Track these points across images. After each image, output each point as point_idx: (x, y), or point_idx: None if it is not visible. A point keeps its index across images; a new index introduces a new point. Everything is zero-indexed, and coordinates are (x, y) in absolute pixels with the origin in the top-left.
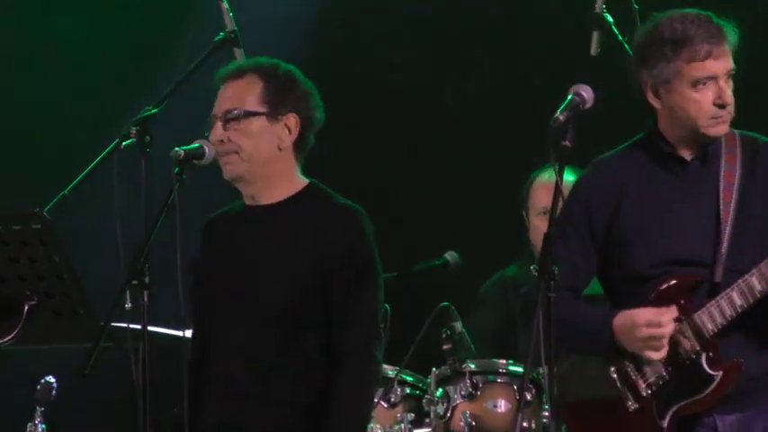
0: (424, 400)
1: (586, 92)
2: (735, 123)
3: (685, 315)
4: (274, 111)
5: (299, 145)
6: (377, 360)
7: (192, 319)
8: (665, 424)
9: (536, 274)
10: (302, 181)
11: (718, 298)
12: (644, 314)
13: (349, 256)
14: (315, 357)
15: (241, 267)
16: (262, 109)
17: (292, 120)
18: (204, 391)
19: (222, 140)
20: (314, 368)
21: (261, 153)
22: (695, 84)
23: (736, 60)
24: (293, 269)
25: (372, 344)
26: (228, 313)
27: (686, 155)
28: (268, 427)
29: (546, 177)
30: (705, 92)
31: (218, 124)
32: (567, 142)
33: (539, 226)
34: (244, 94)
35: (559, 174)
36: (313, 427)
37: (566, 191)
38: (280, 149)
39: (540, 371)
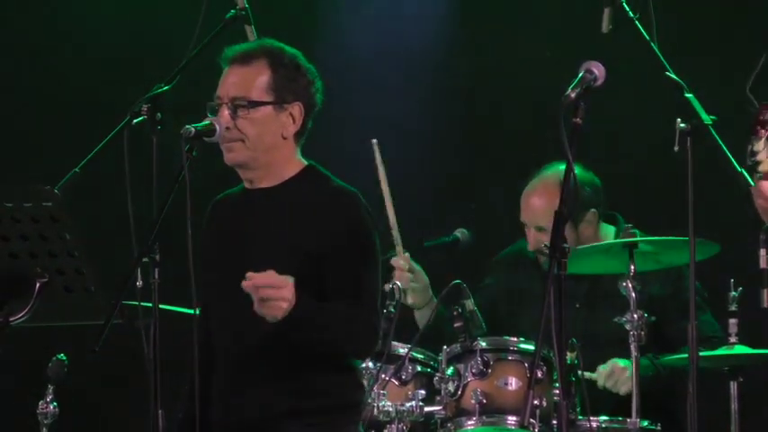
0: (435, 378)
1: (598, 68)
2: None
3: None
4: (280, 100)
5: (300, 131)
6: (378, 332)
7: (201, 302)
8: None
9: (546, 251)
10: (301, 163)
11: None
12: None
13: (348, 238)
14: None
15: (240, 249)
16: (268, 98)
17: (297, 109)
18: (211, 373)
19: (228, 127)
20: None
21: (265, 141)
22: None
23: None
24: (290, 250)
25: (375, 318)
26: (229, 294)
27: None
28: (271, 412)
29: (527, 189)
30: None
31: (226, 111)
32: (578, 119)
33: (531, 236)
34: (251, 81)
35: (570, 150)
36: (311, 411)
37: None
38: (284, 138)
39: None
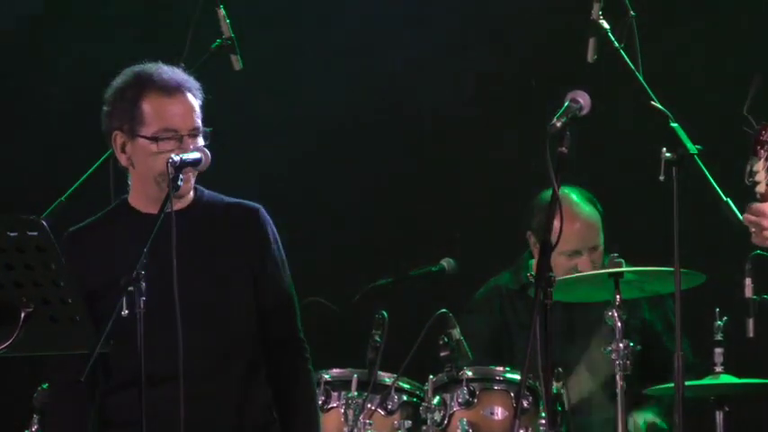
0: (421, 408)
1: (583, 98)
2: None
3: None
4: None
5: None
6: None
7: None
8: None
9: (532, 281)
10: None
11: None
12: None
13: (269, 251)
14: (251, 356)
15: (165, 273)
16: None
17: None
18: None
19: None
20: (252, 368)
21: None
22: None
23: None
24: (221, 270)
25: (301, 331)
26: (164, 319)
27: None
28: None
29: (569, 215)
30: None
31: (193, 140)
32: (563, 148)
33: (584, 261)
34: (196, 110)
35: (556, 180)
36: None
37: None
38: None
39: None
